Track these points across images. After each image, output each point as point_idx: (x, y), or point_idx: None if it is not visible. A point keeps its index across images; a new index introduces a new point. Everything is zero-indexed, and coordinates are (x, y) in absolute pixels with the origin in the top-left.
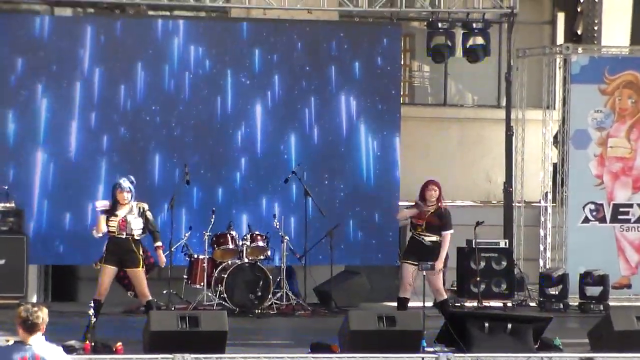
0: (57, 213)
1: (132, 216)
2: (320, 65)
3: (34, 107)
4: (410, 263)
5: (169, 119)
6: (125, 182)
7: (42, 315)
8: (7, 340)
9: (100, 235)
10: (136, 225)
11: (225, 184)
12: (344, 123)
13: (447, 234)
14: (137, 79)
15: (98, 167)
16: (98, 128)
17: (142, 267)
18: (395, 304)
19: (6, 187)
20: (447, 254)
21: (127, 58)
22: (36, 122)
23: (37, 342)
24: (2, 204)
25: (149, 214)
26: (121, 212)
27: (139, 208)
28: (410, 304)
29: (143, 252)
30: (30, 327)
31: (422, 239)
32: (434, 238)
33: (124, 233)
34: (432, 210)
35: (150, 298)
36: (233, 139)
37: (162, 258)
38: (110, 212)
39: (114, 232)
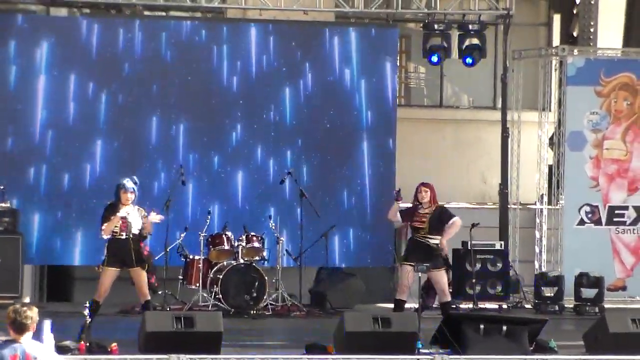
0: (52, 213)
1: (132, 216)
2: (316, 66)
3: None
4: (409, 265)
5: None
6: (129, 183)
7: (32, 314)
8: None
9: (108, 236)
10: (136, 225)
11: (220, 184)
12: (339, 125)
13: (455, 220)
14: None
15: (93, 169)
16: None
17: (145, 267)
18: (390, 305)
19: (2, 187)
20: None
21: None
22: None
23: (28, 341)
24: None
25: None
26: (122, 213)
27: (139, 210)
28: (406, 306)
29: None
30: (20, 327)
31: (427, 241)
32: (438, 240)
33: (124, 233)
34: (430, 213)
35: (149, 298)
36: (229, 142)
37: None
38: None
39: (115, 232)
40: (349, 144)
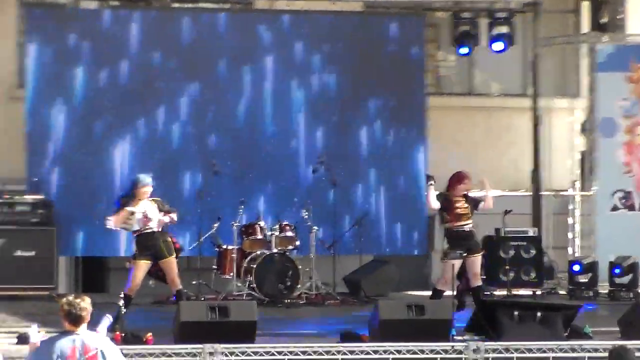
0: (87, 205)
1: (150, 209)
2: (345, 56)
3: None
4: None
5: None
6: (147, 179)
7: (86, 305)
8: (39, 332)
9: (112, 227)
10: (155, 215)
11: (253, 175)
12: (369, 114)
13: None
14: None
15: (125, 162)
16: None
17: (175, 255)
18: (425, 292)
19: (36, 179)
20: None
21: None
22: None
23: (85, 332)
24: (32, 196)
25: (162, 205)
26: (139, 208)
27: (156, 202)
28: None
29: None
30: (76, 318)
31: (464, 229)
32: (471, 224)
33: (149, 227)
34: (465, 199)
35: (180, 287)
36: (263, 132)
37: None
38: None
39: (139, 230)
40: (380, 132)
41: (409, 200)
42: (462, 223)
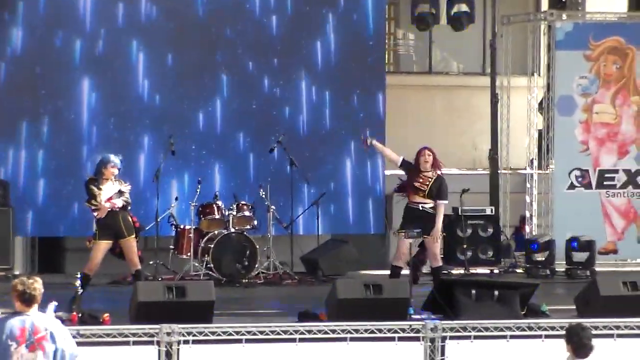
0: (43, 184)
1: (112, 190)
2: (303, 34)
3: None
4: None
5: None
6: (116, 159)
7: (39, 286)
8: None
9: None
10: (118, 198)
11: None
12: (327, 92)
13: (442, 204)
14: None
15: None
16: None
17: (135, 235)
18: (382, 271)
19: None
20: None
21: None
22: None
23: (35, 313)
24: None
25: (125, 189)
26: (105, 187)
27: (119, 182)
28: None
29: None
30: (28, 299)
31: (422, 207)
32: (432, 204)
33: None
34: (432, 178)
35: (139, 267)
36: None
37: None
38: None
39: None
40: (338, 109)
41: (366, 179)
42: (418, 200)
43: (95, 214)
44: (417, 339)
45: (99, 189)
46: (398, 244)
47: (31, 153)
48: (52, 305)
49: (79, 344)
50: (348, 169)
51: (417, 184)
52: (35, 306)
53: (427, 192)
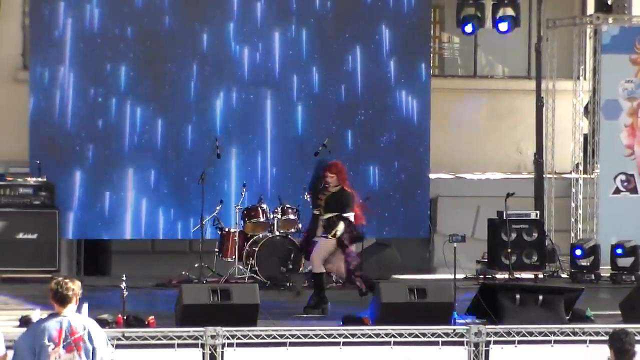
0: (91, 187)
1: None
2: (349, 38)
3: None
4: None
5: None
6: None
7: (74, 287)
8: (41, 315)
9: None
10: None
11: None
12: (373, 96)
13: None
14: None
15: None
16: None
17: None
18: (427, 276)
19: (38, 162)
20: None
21: None
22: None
23: (71, 313)
24: (34, 178)
25: None
26: None
27: None
28: (442, 276)
29: None
30: (62, 298)
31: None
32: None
33: None
34: (335, 191)
35: None
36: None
37: None
38: None
39: None
40: (384, 114)
41: (412, 183)
42: (317, 212)
43: None
44: (461, 343)
45: None
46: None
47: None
48: (85, 306)
49: (123, 346)
50: (392, 173)
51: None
52: (71, 306)
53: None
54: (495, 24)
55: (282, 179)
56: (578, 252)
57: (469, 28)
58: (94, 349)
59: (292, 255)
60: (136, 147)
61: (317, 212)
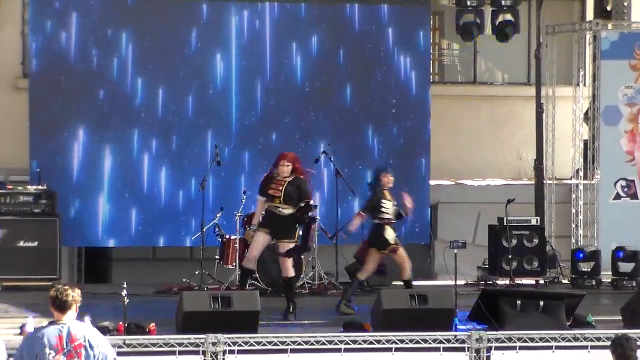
0: (92, 195)
1: None
2: (349, 45)
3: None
4: (264, 232)
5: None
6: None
7: (73, 293)
8: (42, 323)
9: None
10: None
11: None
12: (374, 102)
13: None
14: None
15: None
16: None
17: None
18: (428, 282)
19: (38, 170)
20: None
21: None
22: None
23: (72, 320)
24: (35, 186)
25: None
26: None
27: None
28: (443, 283)
29: None
30: (61, 305)
31: (275, 211)
32: (291, 210)
33: None
34: (290, 180)
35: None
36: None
37: None
38: None
39: None
40: (384, 121)
41: (412, 189)
42: (274, 204)
43: None
44: (462, 349)
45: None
46: (252, 243)
47: (79, 163)
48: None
49: (125, 353)
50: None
51: (271, 191)
52: (70, 313)
53: (282, 197)
54: (494, 30)
55: None
56: (580, 255)
57: (468, 38)
58: (94, 356)
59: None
60: (138, 154)
61: (278, 209)
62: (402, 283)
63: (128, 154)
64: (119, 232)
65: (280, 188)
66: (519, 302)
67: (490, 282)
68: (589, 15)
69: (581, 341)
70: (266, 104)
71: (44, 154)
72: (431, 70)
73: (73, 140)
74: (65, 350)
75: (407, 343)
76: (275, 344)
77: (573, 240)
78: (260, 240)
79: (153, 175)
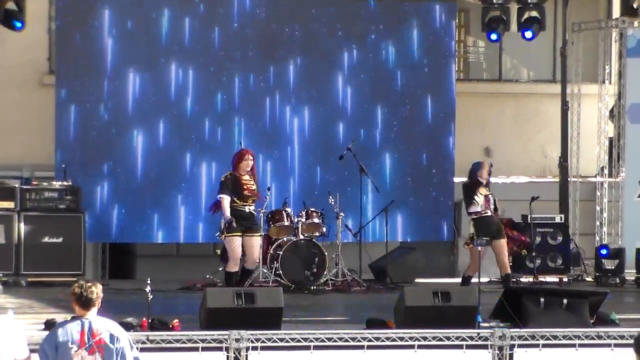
0: (117, 191)
1: None
2: (375, 41)
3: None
4: (237, 236)
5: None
6: None
7: (97, 290)
8: (65, 318)
9: None
10: None
11: (279, 161)
12: (399, 99)
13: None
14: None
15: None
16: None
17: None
18: (451, 279)
19: (64, 166)
20: None
21: None
22: None
23: (94, 316)
24: (60, 182)
25: None
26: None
27: None
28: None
29: None
30: (85, 302)
31: (248, 208)
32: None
33: None
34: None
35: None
36: (285, 117)
37: None
38: None
39: None
40: (409, 118)
41: (435, 186)
42: (247, 203)
43: None
44: (485, 347)
45: None
46: (230, 247)
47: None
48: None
49: (148, 349)
50: (417, 176)
51: (246, 192)
52: (94, 309)
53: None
54: (521, 29)
55: (307, 183)
56: (603, 251)
57: (494, 36)
58: (116, 351)
59: (316, 259)
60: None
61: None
62: (425, 281)
63: (155, 150)
64: (143, 228)
65: (253, 188)
66: (542, 299)
67: (514, 280)
68: (615, 12)
69: (605, 339)
70: None
71: (70, 150)
72: (456, 67)
73: (100, 136)
74: (87, 345)
75: (430, 340)
76: (299, 341)
77: (597, 238)
78: (239, 243)
79: (179, 171)
